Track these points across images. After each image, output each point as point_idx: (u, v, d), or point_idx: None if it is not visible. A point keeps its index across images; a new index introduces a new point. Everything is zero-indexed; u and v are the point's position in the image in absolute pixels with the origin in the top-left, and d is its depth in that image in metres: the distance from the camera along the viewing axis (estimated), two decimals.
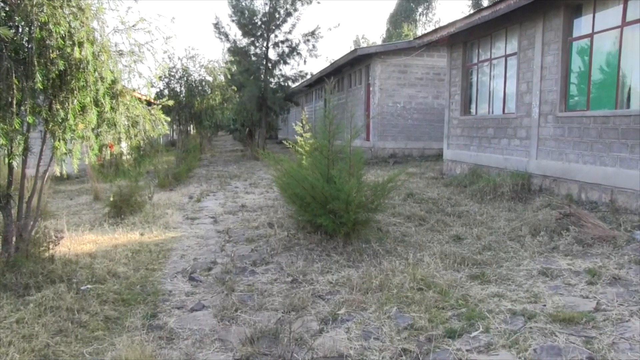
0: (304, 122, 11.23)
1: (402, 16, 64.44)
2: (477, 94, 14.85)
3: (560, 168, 10.72)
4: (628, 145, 8.94)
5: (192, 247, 7.60)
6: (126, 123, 6.61)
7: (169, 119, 7.38)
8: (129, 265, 6.56)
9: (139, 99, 6.89)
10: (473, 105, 15.13)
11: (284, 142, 14.50)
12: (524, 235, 7.59)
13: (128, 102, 6.52)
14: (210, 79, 19.44)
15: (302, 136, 11.55)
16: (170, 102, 7.78)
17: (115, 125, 6.38)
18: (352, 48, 22.74)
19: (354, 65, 23.93)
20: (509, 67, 13.07)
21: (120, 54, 6.42)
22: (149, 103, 7.66)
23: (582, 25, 10.50)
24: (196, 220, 9.61)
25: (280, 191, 8.40)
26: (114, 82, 5.99)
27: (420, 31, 60.17)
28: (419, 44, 17.24)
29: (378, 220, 8.14)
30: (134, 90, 6.74)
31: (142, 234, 8.28)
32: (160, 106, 7.61)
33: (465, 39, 14.83)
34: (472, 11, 13.79)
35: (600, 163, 9.61)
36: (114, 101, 6.27)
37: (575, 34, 10.68)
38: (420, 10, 65.24)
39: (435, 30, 15.23)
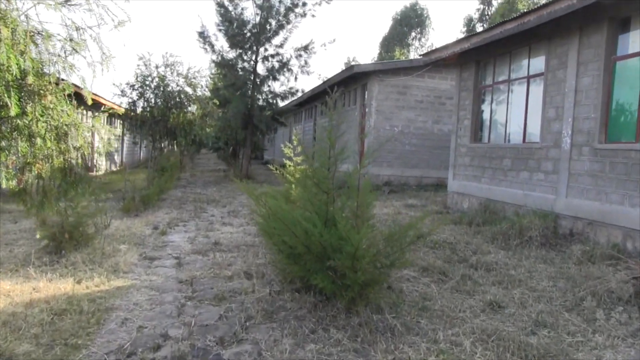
0: (295, 144, 9.24)
1: (395, 40, 63.80)
2: (491, 120, 13.08)
3: (598, 210, 8.93)
4: None
5: (140, 306, 5.61)
6: (49, 135, 4.70)
7: (116, 130, 5.50)
8: (40, 338, 4.57)
9: (73, 94, 4.99)
10: (485, 132, 13.36)
11: (270, 165, 12.60)
12: (587, 306, 5.71)
13: (52, 105, 4.62)
14: (189, 90, 17.42)
15: (291, 160, 9.66)
16: (121, 110, 5.87)
17: (32, 137, 4.47)
18: (344, 68, 20.99)
19: (349, 84, 22.14)
20: (532, 90, 11.33)
21: (49, 36, 4.53)
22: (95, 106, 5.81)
23: (631, 41, 8.81)
24: (155, 262, 7.62)
25: (264, 236, 6.46)
26: (24, 73, 4.09)
27: (412, 55, 59.20)
28: (425, 62, 15.52)
29: (387, 275, 6.22)
30: (63, 90, 4.84)
31: (78, 282, 6.29)
32: (106, 115, 5.73)
33: (478, 57, 13.11)
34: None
35: None
36: (29, 104, 4.37)
37: (621, 52, 8.97)
38: (413, 34, 64.55)
39: (445, 47, 13.50)
